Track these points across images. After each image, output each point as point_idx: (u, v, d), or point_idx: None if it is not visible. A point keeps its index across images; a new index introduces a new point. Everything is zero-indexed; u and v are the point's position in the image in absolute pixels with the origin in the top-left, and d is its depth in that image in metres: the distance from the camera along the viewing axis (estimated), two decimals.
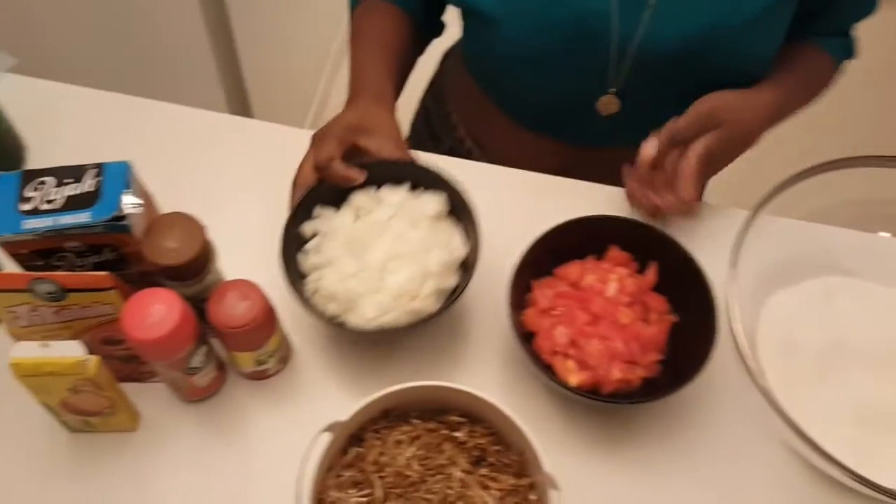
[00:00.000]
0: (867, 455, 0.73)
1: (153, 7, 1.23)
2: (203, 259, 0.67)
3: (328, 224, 0.77)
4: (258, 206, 0.86)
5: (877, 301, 0.81)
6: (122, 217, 0.64)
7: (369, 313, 0.72)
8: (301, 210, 0.76)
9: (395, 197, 0.78)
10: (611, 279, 0.76)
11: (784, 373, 0.76)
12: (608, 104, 0.84)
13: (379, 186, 0.78)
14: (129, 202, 0.65)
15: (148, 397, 0.74)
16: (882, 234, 0.81)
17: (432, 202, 0.78)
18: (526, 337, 0.75)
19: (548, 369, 0.73)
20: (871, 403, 0.76)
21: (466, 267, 0.76)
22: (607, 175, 0.87)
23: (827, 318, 0.80)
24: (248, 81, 1.45)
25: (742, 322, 0.72)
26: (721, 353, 0.72)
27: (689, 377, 0.70)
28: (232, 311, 0.67)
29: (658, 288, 0.77)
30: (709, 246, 0.82)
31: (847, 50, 0.89)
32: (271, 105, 1.57)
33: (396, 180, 0.78)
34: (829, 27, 0.86)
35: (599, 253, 0.79)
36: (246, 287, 0.68)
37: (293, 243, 0.76)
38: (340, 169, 0.75)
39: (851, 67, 0.90)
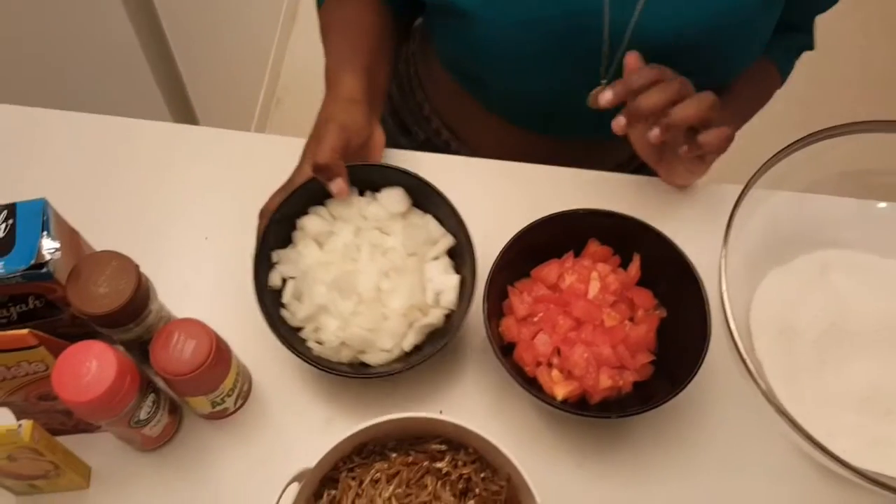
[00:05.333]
0: (874, 441, 0.69)
1: (74, 16, 1.12)
2: (138, 302, 0.60)
3: (294, 267, 0.70)
4: (202, 222, 0.78)
5: (875, 273, 0.76)
6: (41, 265, 0.57)
7: (387, 343, 0.67)
8: (261, 261, 0.69)
9: (349, 210, 0.71)
10: (592, 278, 0.70)
11: (783, 361, 0.72)
12: (596, 97, 0.77)
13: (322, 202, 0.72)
14: (47, 247, 0.57)
15: (98, 449, 0.67)
16: (879, 204, 0.75)
17: (393, 198, 0.71)
18: (506, 348, 0.69)
19: (532, 382, 0.67)
20: (875, 385, 0.72)
21: (457, 256, 0.71)
22: (591, 167, 0.82)
23: (823, 296, 0.75)
24: (189, 87, 1.34)
25: (735, 310, 0.67)
26: (715, 347, 0.66)
27: (682, 379, 0.65)
28: (178, 355, 0.60)
29: (643, 281, 0.72)
30: (693, 228, 0.76)
31: (804, 46, 0.87)
32: (216, 112, 1.46)
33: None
34: (798, 20, 0.83)
35: (578, 248, 0.73)
36: (192, 326, 0.61)
37: (268, 299, 0.68)
38: (342, 168, 0.69)
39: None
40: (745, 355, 0.63)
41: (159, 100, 1.28)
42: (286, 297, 0.69)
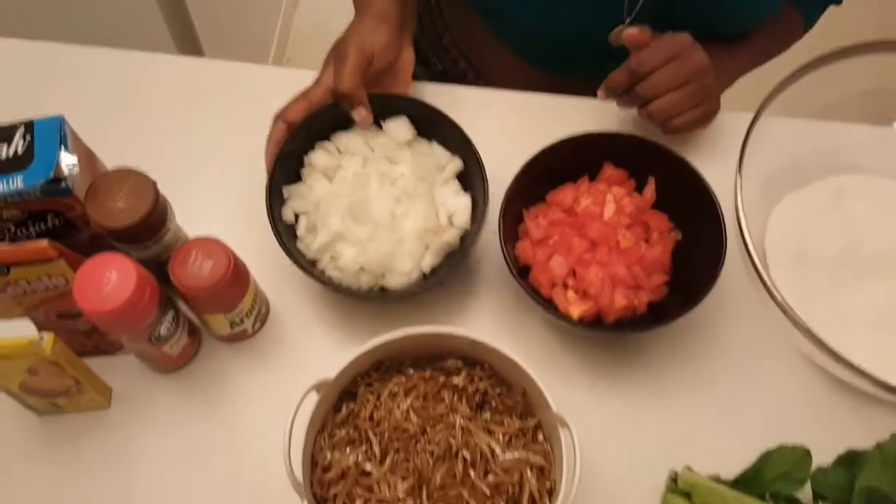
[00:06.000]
0: (889, 358, 0.69)
1: None
2: (156, 218, 0.60)
3: (306, 201, 0.70)
4: (218, 155, 0.79)
5: (889, 197, 0.76)
6: (60, 178, 0.57)
7: (406, 266, 0.67)
8: (274, 194, 0.69)
9: (355, 142, 0.72)
10: (607, 201, 0.70)
11: (797, 284, 0.72)
12: (620, 35, 0.76)
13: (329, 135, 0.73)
14: (66, 161, 0.58)
15: (118, 371, 0.68)
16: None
17: (399, 127, 0.72)
18: (522, 271, 0.69)
19: (548, 303, 0.68)
20: (890, 306, 0.72)
21: (468, 177, 0.71)
22: None
23: (838, 220, 0.75)
24: (194, 16, 1.34)
25: (751, 233, 0.67)
26: (729, 268, 0.66)
27: (696, 298, 0.65)
28: (196, 271, 0.60)
29: (658, 205, 0.72)
30: (709, 153, 0.76)
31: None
32: (223, 43, 1.46)
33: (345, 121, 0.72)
34: None
35: (593, 172, 0.73)
36: (210, 245, 0.61)
37: (284, 232, 0.69)
38: (363, 95, 0.69)
39: None
40: (760, 269, 0.63)
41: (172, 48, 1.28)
42: (300, 230, 0.70)
